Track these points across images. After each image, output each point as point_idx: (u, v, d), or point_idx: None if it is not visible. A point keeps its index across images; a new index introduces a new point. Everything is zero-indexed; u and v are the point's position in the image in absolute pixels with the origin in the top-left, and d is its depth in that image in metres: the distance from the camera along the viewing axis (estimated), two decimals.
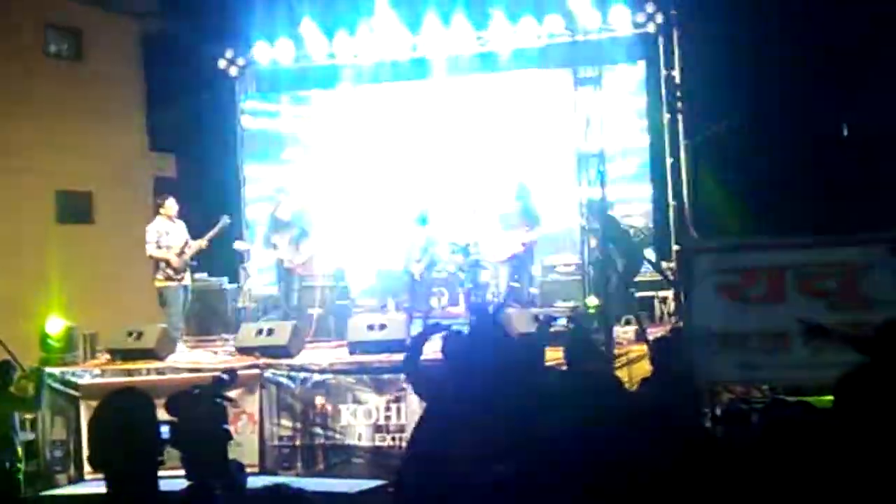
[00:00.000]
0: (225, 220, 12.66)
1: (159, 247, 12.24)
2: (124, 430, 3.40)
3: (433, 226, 13.45)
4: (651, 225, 13.81)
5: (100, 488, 3.56)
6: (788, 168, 12.71)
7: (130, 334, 11.75)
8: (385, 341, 11.00)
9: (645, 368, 9.54)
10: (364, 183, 16.07)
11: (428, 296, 13.31)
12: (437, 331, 7.21)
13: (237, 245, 13.59)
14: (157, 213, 12.51)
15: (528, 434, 6.54)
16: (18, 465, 9.43)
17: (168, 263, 12.25)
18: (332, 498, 9.47)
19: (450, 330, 6.87)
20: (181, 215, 12.57)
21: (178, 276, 12.35)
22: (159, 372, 11.31)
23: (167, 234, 12.34)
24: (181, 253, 12.29)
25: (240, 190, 16.41)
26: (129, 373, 11.34)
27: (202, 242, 12.43)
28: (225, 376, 5.95)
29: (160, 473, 3.49)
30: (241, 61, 16.14)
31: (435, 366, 7.01)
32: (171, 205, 12.51)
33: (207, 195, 13.75)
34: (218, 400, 5.65)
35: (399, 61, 15.60)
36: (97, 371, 11.51)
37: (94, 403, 10.42)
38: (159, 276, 12.30)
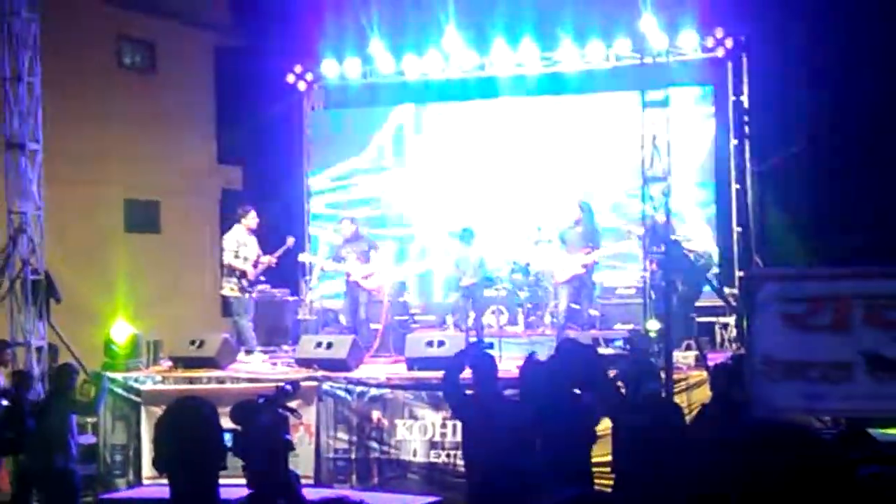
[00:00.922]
0: (290, 240, 12.83)
1: (237, 257, 12.37)
2: (190, 437, 3.45)
3: (482, 243, 13.48)
4: (714, 250, 13.70)
5: (157, 492, 3.62)
6: (855, 196, 12.55)
7: (192, 343, 11.90)
8: (443, 358, 11.01)
9: (704, 394, 9.47)
10: (431, 200, 16.14)
11: (479, 314, 13.29)
12: (476, 351, 7.27)
13: (302, 257, 13.72)
14: (236, 222, 12.61)
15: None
16: (74, 466, 9.56)
17: (244, 274, 12.38)
18: None
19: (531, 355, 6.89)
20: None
21: (251, 289, 12.51)
22: (219, 381, 11.42)
23: (245, 245, 12.48)
24: (256, 265, 12.45)
25: (304, 204, 16.61)
26: (190, 380, 11.50)
27: (272, 259, 12.56)
28: (288, 387, 6.01)
29: (221, 481, 3.53)
30: (309, 76, 16.37)
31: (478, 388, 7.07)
32: (252, 217, 12.64)
33: (273, 208, 13.89)
34: (280, 410, 5.70)
35: (467, 80, 15.70)
36: (159, 378, 11.66)
37: (155, 409, 10.69)
38: (232, 286, 12.41)
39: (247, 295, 12.49)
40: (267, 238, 12.91)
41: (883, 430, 6.33)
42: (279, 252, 12.66)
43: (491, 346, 7.61)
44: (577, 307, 12.67)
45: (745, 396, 8.30)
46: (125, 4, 16.12)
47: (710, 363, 9.81)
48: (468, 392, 7.24)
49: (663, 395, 9.22)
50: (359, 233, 13.36)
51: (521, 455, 5.75)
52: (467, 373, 7.20)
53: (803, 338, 8.87)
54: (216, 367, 11.67)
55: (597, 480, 7.44)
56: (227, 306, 13.23)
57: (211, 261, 15.12)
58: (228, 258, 12.41)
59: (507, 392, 7.53)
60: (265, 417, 5.47)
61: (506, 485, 4.24)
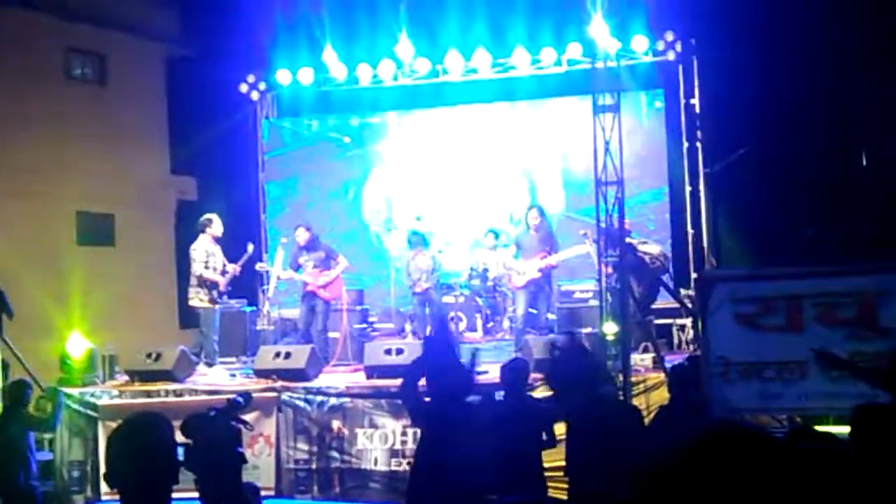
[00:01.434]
0: (250, 248, 12.75)
1: (207, 267, 12.21)
2: (142, 451, 3.43)
3: (437, 250, 13.52)
4: (668, 252, 13.80)
5: None
6: (808, 197, 12.69)
7: (149, 356, 11.80)
8: (402, 366, 10.98)
9: (662, 396, 9.52)
10: (385, 207, 16.17)
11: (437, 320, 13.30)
12: (421, 367, 7.24)
13: (259, 266, 13.59)
14: (201, 232, 12.43)
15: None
16: (35, 483, 9.44)
17: (216, 285, 12.24)
18: None
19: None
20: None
21: (220, 299, 12.40)
22: (177, 394, 11.34)
23: (213, 255, 12.29)
24: (223, 275, 12.32)
25: (260, 213, 16.57)
26: (148, 394, 11.39)
27: (237, 268, 12.43)
28: (240, 399, 5.97)
29: (176, 495, 3.52)
30: (262, 86, 16.36)
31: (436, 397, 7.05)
32: (217, 225, 12.45)
33: (229, 218, 13.81)
34: (233, 423, 5.67)
35: (420, 87, 15.72)
36: (115, 392, 11.54)
37: (112, 424, 10.56)
38: (202, 296, 12.21)
39: (217, 306, 12.38)
40: (224, 248, 12.80)
41: (837, 429, 6.39)
42: (242, 260, 12.54)
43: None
44: (535, 311, 12.71)
45: (702, 397, 8.36)
46: (74, 17, 15.95)
47: (668, 365, 9.87)
48: (426, 399, 7.21)
49: (620, 397, 9.28)
50: (316, 241, 13.28)
51: (475, 462, 5.75)
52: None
53: (757, 338, 8.96)
54: (174, 379, 11.58)
55: (551, 485, 7.47)
56: (186, 318, 13.13)
57: (167, 272, 15.03)
58: (199, 269, 12.18)
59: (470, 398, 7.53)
60: (217, 430, 5.43)
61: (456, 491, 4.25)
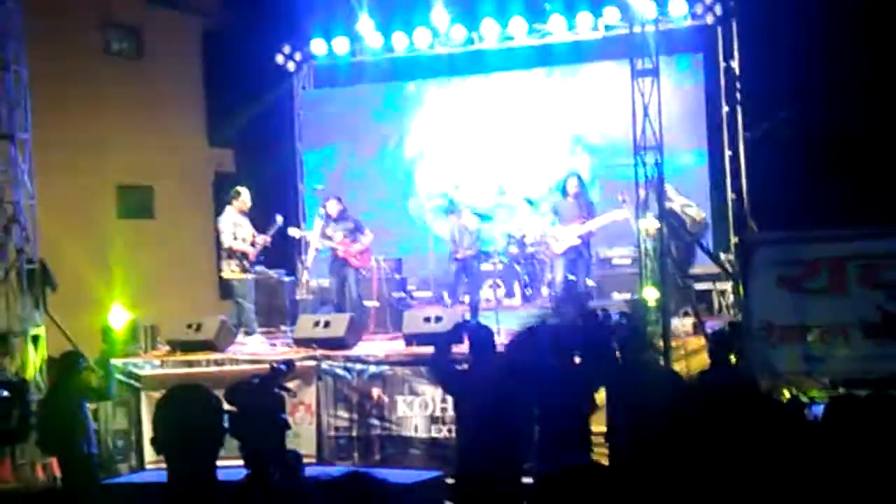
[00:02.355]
0: (279, 219, 12.80)
1: (235, 238, 12.36)
2: (188, 423, 3.49)
3: (466, 214, 13.49)
4: (707, 216, 13.67)
5: (160, 477, 3.64)
6: (849, 159, 12.51)
7: (190, 326, 11.90)
8: (441, 333, 11.00)
9: (703, 361, 9.46)
10: (422, 175, 16.17)
11: (476, 288, 13.29)
12: (466, 330, 7.24)
13: (291, 231, 13.49)
14: (228, 204, 12.59)
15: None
16: (94, 451, 9.53)
17: (245, 256, 12.37)
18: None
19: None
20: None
21: (252, 269, 12.51)
22: (218, 363, 11.42)
23: (240, 226, 12.45)
24: (253, 245, 12.44)
25: (297, 183, 16.60)
26: (189, 364, 11.49)
27: (267, 239, 12.54)
28: (282, 366, 6.00)
29: (221, 463, 3.56)
30: (298, 56, 16.34)
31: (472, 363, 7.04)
32: (245, 198, 12.61)
33: (266, 189, 13.86)
34: (276, 390, 5.70)
35: (455, 55, 15.64)
36: (157, 362, 11.66)
37: (154, 394, 10.70)
38: (233, 267, 12.38)
39: (249, 276, 12.50)
40: (262, 219, 12.89)
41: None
42: (271, 231, 12.64)
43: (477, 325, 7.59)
44: (574, 279, 12.66)
45: (744, 362, 8.30)
46: None
47: (708, 330, 9.80)
48: (461, 367, 7.20)
49: (661, 363, 9.23)
50: (345, 212, 13.34)
51: (512, 428, 5.75)
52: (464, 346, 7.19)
53: (800, 301, 8.89)
54: (215, 349, 11.67)
55: (595, 450, 7.46)
56: (225, 289, 13.24)
57: (206, 244, 15.09)
58: (227, 240, 12.37)
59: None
60: (260, 398, 5.47)
61: (495, 457, 4.24)
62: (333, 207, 13.31)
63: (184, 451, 3.47)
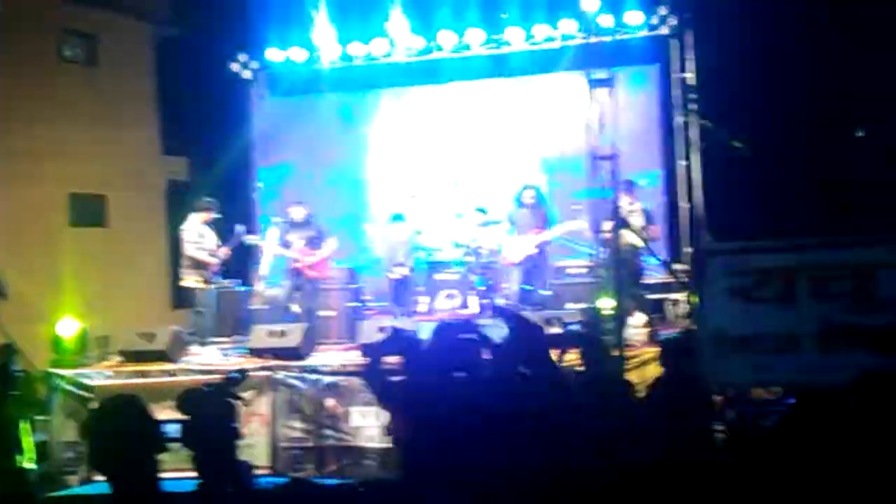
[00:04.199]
0: (239, 229, 12.72)
1: (200, 248, 12.27)
2: (118, 435, 3.49)
3: (413, 225, 13.50)
4: (663, 227, 13.77)
5: (108, 489, 3.61)
6: (802, 169, 12.68)
7: (142, 336, 11.76)
8: (374, 344, 10.94)
9: (657, 370, 9.50)
10: (374, 186, 16.13)
11: (413, 297, 13.30)
12: (400, 339, 7.16)
13: (249, 238, 13.28)
14: (193, 212, 12.53)
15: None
16: (31, 465, 9.41)
17: (207, 266, 12.30)
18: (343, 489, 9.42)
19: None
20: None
21: (214, 280, 12.43)
22: (171, 374, 11.31)
23: (204, 236, 12.39)
24: (215, 256, 12.36)
25: (252, 193, 16.50)
26: (142, 374, 11.35)
27: (227, 250, 12.47)
28: (236, 374, 5.94)
29: (171, 474, 3.55)
30: (254, 64, 16.26)
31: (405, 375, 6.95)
32: (210, 210, 12.59)
33: (220, 198, 13.76)
34: (228, 398, 5.63)
35: (413, 65, 15.64)
36: (109, 373, 11.51)
37: (96, 406, 10.52)
38: (195, 277, 12.33)
39: (211, 286, 12.41)
40: (217, 229, 12.80)
41: None
42: (232, 241, 12.58)
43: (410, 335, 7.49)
44: (530, 288, 12.70)
45: (696, 371, 8.33)
46: None
47: (661, 339, 9.85)
48: (394, 379, 7.07)
49: (617, 373, 9.25)
50: (310, 217, 13.26)
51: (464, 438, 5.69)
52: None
53: (752, 310, 8.92)
54: (167, 359, 11.55)
55: None
56: (180, 299, 13.13)
57: (159, 253, 14.98)
58: (191, 250, 12.29)
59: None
60: (212, 406, 5.39)
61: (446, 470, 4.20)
62: (298, 213, 13.21)
63: (120, 462, 3.44)
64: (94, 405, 10.58)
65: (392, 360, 7.09)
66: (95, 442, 3.56)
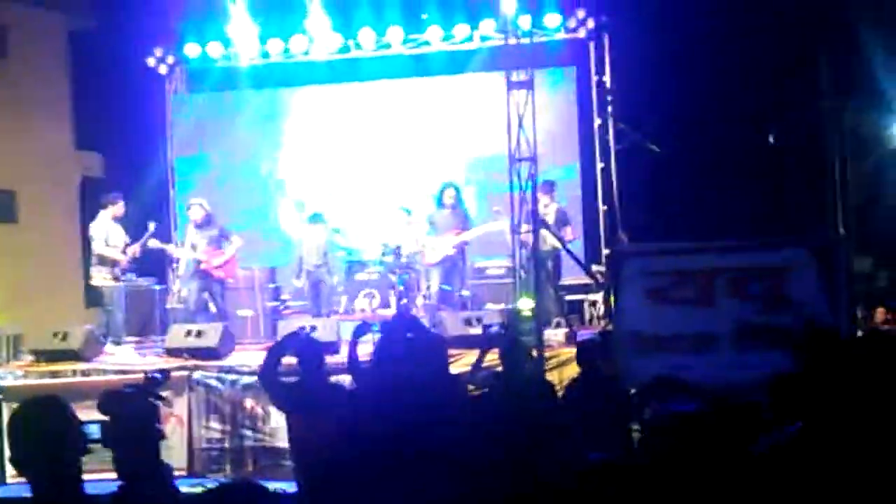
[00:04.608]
0: (151, 226, 12.54)
1: (108, 245, 12.08)
2: (41, 436, 3.46)
3: (330, 226, 13.49)
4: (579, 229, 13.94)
5: (23, 492, 3.58)
6: (717, 173, 12.96)
7: (55, 335, 11.52)
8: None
9: (575, 370, 9.63)
10: (296, 185, 16.03)
11: (333, 296, 13.30)
12: (295, 341, 7.16)
13: (151, 243, 12.87)
14: (102, 209, 12.29)
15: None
16: None
17: (117, 263, 12.11)
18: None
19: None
20: None
21: (123, 277, 12.24)
22: (85, 374, 11.11)
23: (113, 233, 12.19)
24: (125, 253, 12.17)
25: (169, 190, 16.27)
26: (54, 374, 11.13)
27: (137, 248, 12.28)
28: (157, 375, 5.87)
29: (93, 476, 3.52)
30: (170, 59, 16.02)
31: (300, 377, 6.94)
32: (120, 206, 12.36)
33: (136, 195, 13.55)
34: (150, 399, 5.57)
35: (332, 62, 15.58)
36: (20, 373, 11.25)
37: (16, 406, 10.29)
38: (104, 274, 12.10)
39: (119, 284, 12.22)
40: (132, 226, 12.60)
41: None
42: (143, 239, 12.39)
43: (369, 327, 7.47)
44: (449, 288, 12.76)
45: (613, 371, 8.47)
46: None
47: (578, 340, 9.98)
48: (287, 380, 7.05)
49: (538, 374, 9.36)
50: (210, 218, 13.13)
51: (355, 446, 5.68)
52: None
53: (668, 311, 9.11)
54: (81, 359, 11.34)
55: None
56: (93, 297, 12.89)
57: (72, 250, 14.70)
58: (99, 247, 12.09)
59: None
60: (134, 406, 5.32)
61: (339, 477, 4.19)
62: (197, 213, 13.01)
63: (43, 464, 3.42)
64: (11, 405, 10.38)
65: (288, 361, 7.09)
66: (17, 442, 3.52)
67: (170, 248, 13.32)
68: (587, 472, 3.10)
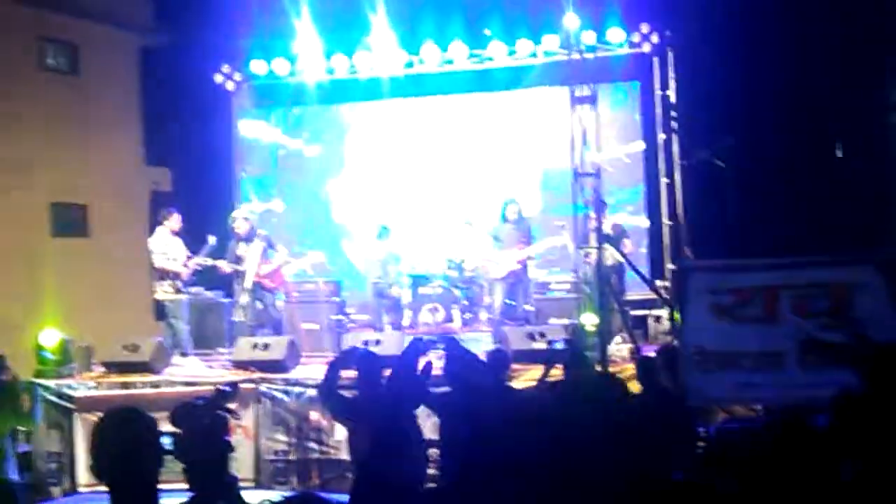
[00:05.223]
0: (211, 240, 12.72)
1: (168, 258, 12.31)
2: (126, 448, 3.56)
3: (394, 240, 13.61)
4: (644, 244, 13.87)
5: (94, 500, 3.70)
6: (783, 188, 12.83)
7: (126, 347, 11.74)
8: (384, 357, 11.00)
9: (638, 386, 9.60)
10: (359, 198, 16.18)
11: (394, 311, 13.38)
12: (354, 356, 7.24)
13: (202, 260, 12.88)
14: (159, 224, 12.57)
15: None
16: (15, 476, 9.39)
17: (178, 276, 12.34)
18: None
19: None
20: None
21: (186, 290, 12.45)
22: (154, 385, 11.29)
23: (172, 246, 12.43)
24: (186, 266, 12.39)
25: (234, 205, 16.48)
26: (125, 386, 11.33)
27: (199, 259, 12.49)
28: (227, 388, 5.97)
29: (164, 486, 3.61)
30: (237, 76, 16.26)
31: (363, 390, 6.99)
32: (176, 219, 12.63)
33: (203, 209, 13.77)
34: (220, 412, 5.67)
35: (396, 78, 15.70)
36: (92, 384, 11.47)
37: (89, 416, 10.54)
38: (166, 288, 12.36)
39: (182, 297, 12.43)
40: (198, 240, 12.81)
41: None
42: (203, 252, 12.60)
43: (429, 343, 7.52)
44: (513, 303, 12.78)
45: (678, 387, 8.43)
46: (46, 5, 15.83)
47: (639, 356, 9.94)
48: (347, 394, 7.13)
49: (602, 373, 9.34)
50: (254, 231, 13.30)
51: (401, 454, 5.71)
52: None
53: (734, 328, 9.04)
54: (151, 371, 11.53)
55: None
56: (160, 310, 13.10)
57: (142, 264, 14.90)
58: (159, 261, 12.35)
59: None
60: (205, 419, 5.43)
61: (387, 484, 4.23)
62: (242, 226, 13.22)
63: (125, 474, 3.51)
64: (83, 416, 10.59)
65: (349, 374, 7.18)
66: (100, 452, 3.62)
67: (220, 264, 13.48)
68: (672, 491, 3.11)
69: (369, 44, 15.11)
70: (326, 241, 15.88)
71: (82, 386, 11.42)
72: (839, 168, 13.24)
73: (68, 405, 11.20)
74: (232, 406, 6.59)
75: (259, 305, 13.10)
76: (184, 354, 12.36)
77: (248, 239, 13.11)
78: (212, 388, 7.00)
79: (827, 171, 13.02)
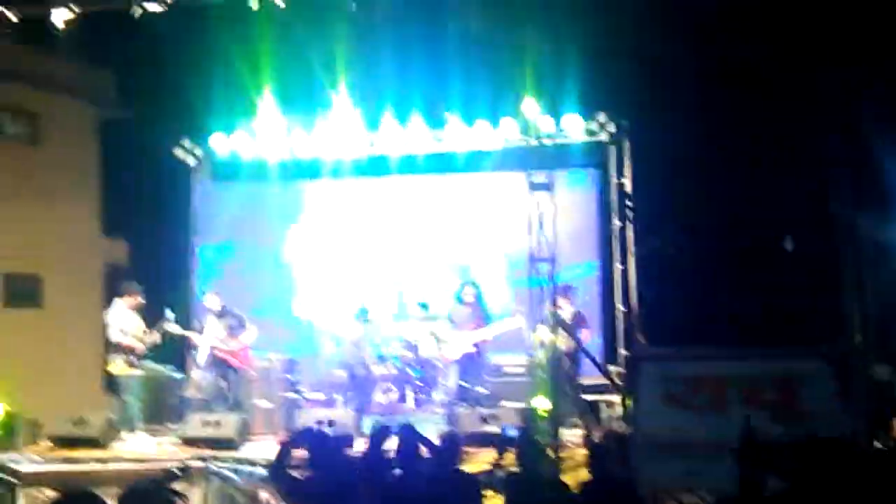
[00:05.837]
0: (168, 314, 12.67)
1: (124, 333, 12.21)
2: None
3: (374, 322, 13.63)
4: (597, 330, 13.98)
5: None
6: (736, 277, 13.02)
7: (74, 421, 11.59)
8: (333, 437, 10.94)
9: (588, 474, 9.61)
10: (312, 277, 16.22)
11: (371, 392, 13.35)
12: (306, 437, 7.25)
13: (168, 326, 12.88)
14: (118, 297, 12.50)
15: None
16: None
17: (132, 350, 12.22)
18: None
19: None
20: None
21: (140, 364, 12.34)
22: (102, 461, 11.12)
23: (128, 321, 12.33)
24: (142, 341, 12.30)
25: (191, 278, 16.45)
26: (72, 461, 11.16)
27: (156, 337, 12.42)
28: (177, 470, 5.95)
29: None
30: (198, 151, 16.31)
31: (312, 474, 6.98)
32: (136, 297, 12.55)
33: (159, 283, 13.71)
34: (170, 496, 5.64)
35: (356, 158, 15.83)
36: (38, 458, 11.29)
37: (33, 492, 10.34)
38: (119, 362, 12.23)
39: (135, 371, 12.31)
40: (154, 314, 12.74)
41: None
42: (160, 327, 12.53)
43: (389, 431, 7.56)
44: (467, 385, 12.78)
45: (627, 473, 8.46)
46: (6, 75, 15.82)
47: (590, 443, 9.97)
48: (297, 475, 7.10)
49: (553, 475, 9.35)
50: (226, 307, 13.30)
51: None
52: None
53: (684, 416, 9.14)
54: (99, 446, 11.40)
55: None
56: (111, 384, 12.97)
57: (94, 337, 14.78)
58: (115, 335, 12.23)
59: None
60: (155, 501, 5.40)
61: None
62: (214, 302, 13.30)
63: None
64: (27, 492, 10.40)
65: (300, 454, 7.16)
66: None
67: (189, 335, 13.44)
68: None
69: (330, 123, 15.22)
70: (283, 306, 15.87)
71: (27, 460, 11.23)
72: (790, 260, 13.47)
73: (12, 480, 10.98)
74: (180, 485, 6.57)
75: (222, 383, 13.03)
76: (132, 430, 12.20)
77: (220, 315, 13.11)
78: (160, 467, 6.97)
79: (778, 262, 13.25)
